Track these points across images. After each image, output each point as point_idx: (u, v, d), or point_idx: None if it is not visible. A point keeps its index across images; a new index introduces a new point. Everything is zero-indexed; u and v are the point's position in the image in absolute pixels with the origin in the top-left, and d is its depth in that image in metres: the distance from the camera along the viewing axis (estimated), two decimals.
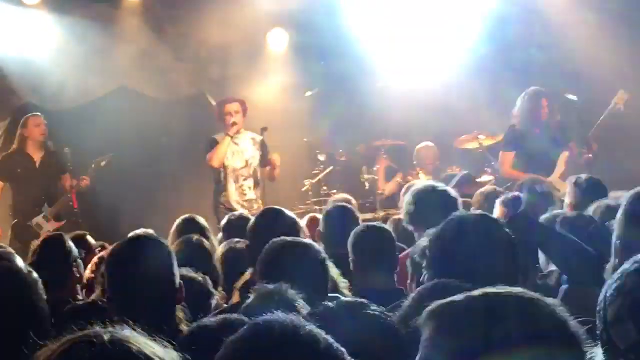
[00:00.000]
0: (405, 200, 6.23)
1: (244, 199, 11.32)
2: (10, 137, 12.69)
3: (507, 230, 3.68)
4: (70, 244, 5.88)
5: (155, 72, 13.45)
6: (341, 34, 13.22)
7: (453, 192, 6.22)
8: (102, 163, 11.84)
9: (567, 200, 6.98)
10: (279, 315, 2.04)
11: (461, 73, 13.13)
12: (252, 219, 5.69)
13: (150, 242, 4.04)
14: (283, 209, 5.61)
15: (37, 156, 11.66)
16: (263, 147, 11.54)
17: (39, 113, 11.84)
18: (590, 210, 5.84)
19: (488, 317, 2.05)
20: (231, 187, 11.34)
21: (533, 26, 12.82)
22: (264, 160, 11.47)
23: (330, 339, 2.00)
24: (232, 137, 11.25)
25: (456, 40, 13.14)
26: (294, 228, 5.25)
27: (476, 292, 2.16)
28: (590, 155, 10.83)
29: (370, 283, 5.21)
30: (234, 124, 11.20)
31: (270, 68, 13.87)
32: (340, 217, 6.38)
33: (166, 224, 7.93)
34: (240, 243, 6.16)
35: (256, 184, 11.48)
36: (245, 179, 11.38)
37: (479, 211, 4.95)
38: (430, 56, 13.41)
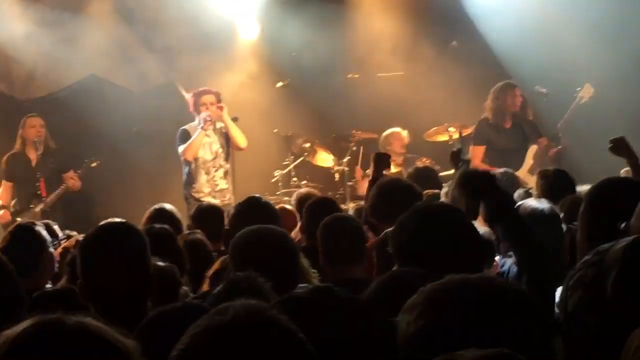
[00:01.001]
0: (370, 194, 6.27)
1: (216, 189, 11.33)
2: None
3: (470, 221, 3.71)
4: (42, 231, 5.85)
5: (126, 61, 13.40)
6: (312, 24, 13.23)
7: (417, 188, 6.29)
8: (93, 165, 11.85)
9: (535, 192, 7.02)
10: (240, 301, 2.05)
11: (432, 64, 13.22)
12: (234, 206, 5.75)
13: (125, 229, 4.03)
14: (265, 198, 5.66)
15: (33, 156, 11.68)
16: (228, 138, 11.51)
17: (35, 114, 11.84)
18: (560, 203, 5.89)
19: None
20: (202, 179, 11.32)
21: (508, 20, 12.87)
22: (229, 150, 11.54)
23: (292, 324, 2.02)
24: (206, 131, 11.23)
25: (428, 29, 13.20)
26: (275, 217, 5.28)
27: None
28: (559, 148, 10.91)
29: (340, 274, 5.23)
30: (209, 120, 11.15)
31: (241, 58, 13.84)
32: (323, 210, 6.38)
33: (137, 214, 7.94)
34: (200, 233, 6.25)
35: (226, 174, 11.48)
36: (216, 170, 11.37)
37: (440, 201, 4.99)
38: (402, 46, 13.47)
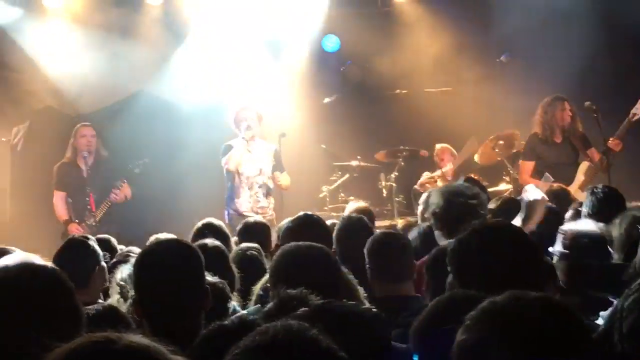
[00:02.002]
0: (433, 201, 6.15)
1: (258, 206, 11.40)
2: (31, 141, 12.81)
3: (531, 239, 3.63)
4: (95, 246, 5.86)
5: (175, 77, 13.49)
6: (360, 41, 13.26)
7: (483, 196, 6.17)
8: (136, 170, 11.90)
9: (584, 210, 6.95)
10: (282, 322, 2.06)
11: (480, 79, 13.17)
12: (286, 223, 5.76)
13: (180, 245, 4.04)
14: (318, 216, 5.66)
15: (84, 165, 11.77)
16: (277, 156, 11.67)
17: (88, 123, 11.92)
18: (617, 221, 5.78)
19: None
20: (245, 195, 11.43)
21: (550, 32, 12.78)
22: (278, 168, 11.64)
23: (332, 344, 2.02)
24: (247, 140, 11.34)
25: (477, 47, 13.16)
26: (327, 234, 5.27)
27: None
28: (608, 162, 10.76)
29: (387, 291, 5.21)
30: (249, 127, 11.31)
31: (289, 74, 13.88)
32: (355, 229, 6.32)
33: (183, 229, 7.97)
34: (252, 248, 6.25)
35: (269, 192, 11.56)
36: (259, 187, 11.46)
37: (501, 220, 4.91)
38: (450, 62, 13.43)
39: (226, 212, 11.49)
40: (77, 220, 11.63)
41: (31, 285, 3.06)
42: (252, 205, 11.39)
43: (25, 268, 3.22)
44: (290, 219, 6.13)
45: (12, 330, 2.90)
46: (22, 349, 2.08)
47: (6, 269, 3.24)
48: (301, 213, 6.09)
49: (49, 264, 3.60)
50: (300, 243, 4.23)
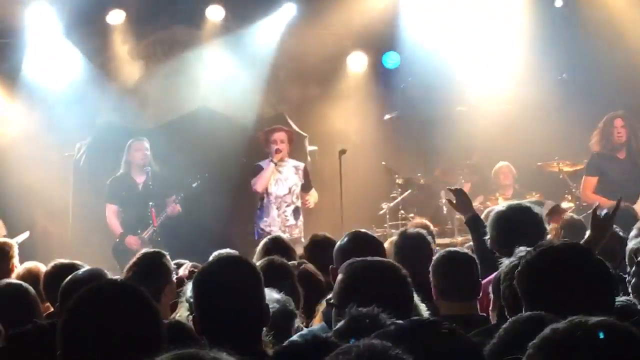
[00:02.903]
0: (489, 224, 6.11)
1: (286, 224, 11.55)
2: (93, 156, 12.94)
3: (601, 260, 3.56)
4: (168, 261, 5.88)
5: (236, 93, 13.55)
6: (422, 57, 13.25)
7: (538, 210, 6.10)
8: (194, 184, 11.98)
9: None
10: (364, 341, 2.03)
11: (543, 96, 13.07)
12: (340, 241, 5.73)
13: (240, 263, 4.01)
14: (371, 233, 5.61)
15: (140, 179, 11.86)
16: (305, 174, 11.83)
17: (141, 137, 12.02)
18: None
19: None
20: (274, 214, 11.59)
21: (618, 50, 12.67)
22: (307, 187, 11.80)
23: None
24: (276, 164, 11.51)
25: (538, 64, 13.08)
26: (380, 251, 5.23)
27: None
28: None
29: (453, 309, 5.16)
30: (279, 151, 11.48)
31: (349, 90, 13.90)
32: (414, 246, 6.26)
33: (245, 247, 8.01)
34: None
35: (297, 211, 11.67)
36: (287, 206, 11.61)
37: (567, 240, 4.82)
38: (513, 79, 13.35)
39: (256, 231, 11.68)
40: (124, 232, 11.74)
41: (124, 303, 3.09)
42: (280, 224, 11.54)
43: (117, 287, 3.28)
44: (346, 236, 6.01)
45: (105, 346, 2.93)
46: None
47: (99, 287, 3.30)
48: (355, 230, 6.03)
49: (118, 277, 3.61)
50: (369, 258, 4.16)
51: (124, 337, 2.96)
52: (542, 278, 3.39)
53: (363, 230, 6.11)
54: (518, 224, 5.81)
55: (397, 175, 13.06)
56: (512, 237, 5.39)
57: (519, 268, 3.50)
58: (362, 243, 5.65)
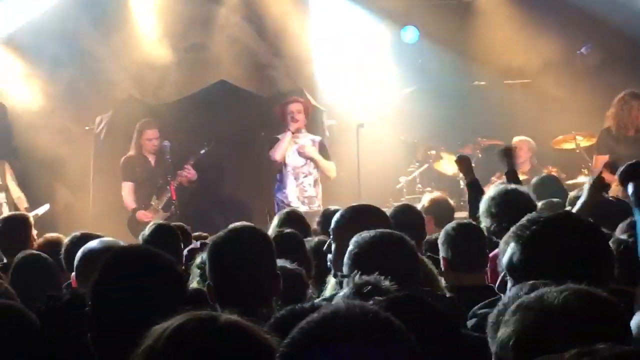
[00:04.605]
0: (485, 199, 6.14)
1: (305, 195, 11.67)
2: (113, 130, 13.06)
3: (602, 232, 3.49)
4: (178, 232, 6.01)
5: (254, 68, 13.62)
6: (439, 31, 13.26)
7: (526, 192, 6.18)
8: (202, 151, 12.15)
9: None
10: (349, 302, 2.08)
11: (560, 71, 13.06)
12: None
13: (252, 232, 4.12)
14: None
15: (152, 157, 12.22)
16: (322, 146, 12.04)
17: (150, 124, 12.34)
18: None
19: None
20: (291, 184, 11.70)
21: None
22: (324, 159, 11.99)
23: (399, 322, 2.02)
24: (293, 132, 11.68)
25: (556, 35, 13.04)
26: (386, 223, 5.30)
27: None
28: None
29: (461, 280, 5.23)
30: (295, 120, 11.73)
31: (368, 65, 13.91)
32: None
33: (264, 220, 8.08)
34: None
35: (316, 181, 11.76)
36: (305, 176, 11.75)
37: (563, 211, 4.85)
38: (529, 53, 13.34)
39: (275, 203, 11.84)
40: (143, 206, 11.92)
41: (151, 265, 3.21)
42: (298, 194, 11.64)
43: (144, 251, 3.44)
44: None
45: (133, 305, 3.04)
46: (137, 324, 2.22)
47: (129, 250, 3.49)
48: (402, 204, 6.18)
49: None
50: (377, 230, 4.24)
51: (151, 297, 3.07)
52: (531, 248, 3.33)
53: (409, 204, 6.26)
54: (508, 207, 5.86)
55: (414, 150, 13.11)
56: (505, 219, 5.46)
57: (510, 237, 3.47)
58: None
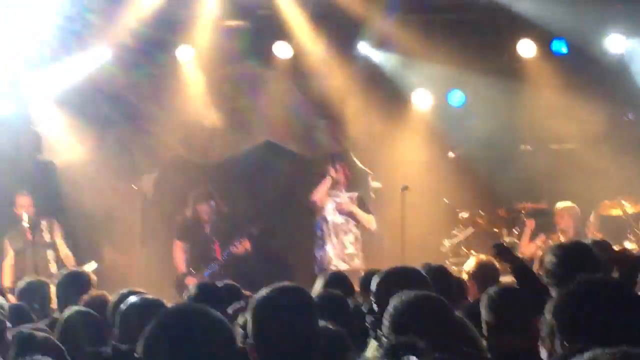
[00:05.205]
0: (547, 257, 6.09)
1: (345, 252, 11.70)
2: (161, 188, 13.18)
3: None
4: (222, 292, 6.04)
5: (300, 128, 13.73)
6: (485, 96, 13.31)
7: (596, 252, 6.10)
8: (254, 231, 12.22)
9: None
10: None
11: (606, 136, 13.03)
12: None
13: (295, 292, 4.15)
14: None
15: (206, 221, 12.33)
16: (360, 201, 12.14)
17: (208, 198, 12.41)
18: None
19: None
20: (331, 242, 11.71)
21: None
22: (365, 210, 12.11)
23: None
24: (332, 178, 11.96)
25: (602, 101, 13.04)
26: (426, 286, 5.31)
27: None
28: None
29: (503, 344, 5.20)
30: (336, 170, 12.04)
31: (413, 128, 13.97)
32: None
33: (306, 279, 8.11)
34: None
35: (356, 239, 11.78)
36: (345, 234, 11.78)
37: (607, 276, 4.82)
38: (575, 119, 13.32)
39: (316, 262, 11.94)
40: (193, 270, 11.97)
41: (203, 323, 3.21)
42: (338, 252, 11.67)
43: (201, 309, 3.36)
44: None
45: None
46: None
47: (183, 306, 3.59)
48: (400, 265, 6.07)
49: None
50: (416, 292, 4.27)
51: (201, 354, 3.10)
52: (580, 311, 3.34)
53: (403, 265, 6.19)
54: (573, 260, 5.82)
55: (459, 211, 13.11)
56: (567, 270, 5.42)
57: (555, 300, 3.48)
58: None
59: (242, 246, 12.04)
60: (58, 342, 4.97)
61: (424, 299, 4.20)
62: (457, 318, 4.19)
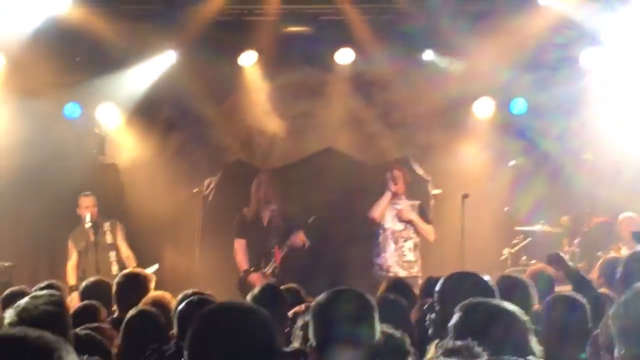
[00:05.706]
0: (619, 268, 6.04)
1: (404, 259, 11.68)
2: (221, 193, 13.28)
3: None
4: (285, 295, 6.11)
5: (362, 135, 13.75)
6: (546, 104, 13.23)
7: None
8: (309, 220, 12.23)
9: None
10: None
11: None
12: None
13: (355, 296, 4.18)
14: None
15: (266, 216, 12.29)
16: (421, 210, 12.15)
17: (272, 207, 12.36)
18: None
19: None
20: (390, 249, 11.70)
21: None
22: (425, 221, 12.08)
23: None
24: (392, 192, 11.87)
25: None
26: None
27: None
28: None
29: (559, 355, 5.19)
30: (396, 182, 11.97)
31: (474, 135, 13.93)
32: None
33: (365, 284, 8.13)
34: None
35: (416, 246, 11.80)
36: (405, 241, 11.76)
37: None
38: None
39: (374, 268, 11.97)
40: (252, 269, 12.01)
41: (249, 321, 3.25)
42: (397, 259, 11.66)
43: (244, 307, 3.43)
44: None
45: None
46: None
47: (226, 304, 3.49)
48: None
49: None
50: (483, 299, 4.27)
51: (242, 351, 3.13)
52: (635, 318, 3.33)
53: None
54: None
55: (519, 222, 13.04)
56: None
57: (613, 308, 3.44)
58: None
59: (299, 238, 12.05)
60: (105, 342, 5.07)
61: (495, 309, 4.20)
62: (521, 327, 4.17)
